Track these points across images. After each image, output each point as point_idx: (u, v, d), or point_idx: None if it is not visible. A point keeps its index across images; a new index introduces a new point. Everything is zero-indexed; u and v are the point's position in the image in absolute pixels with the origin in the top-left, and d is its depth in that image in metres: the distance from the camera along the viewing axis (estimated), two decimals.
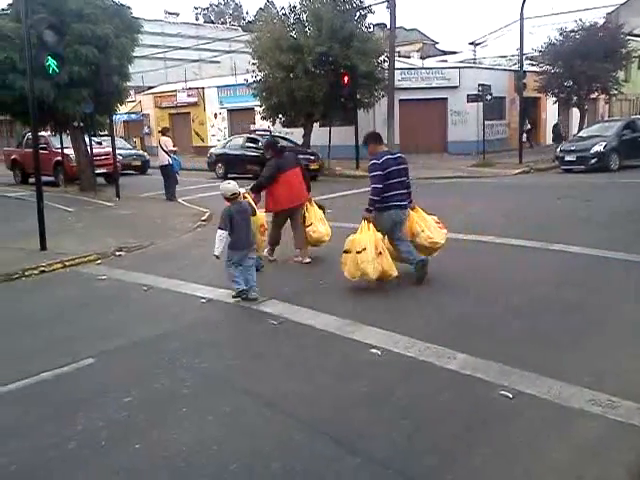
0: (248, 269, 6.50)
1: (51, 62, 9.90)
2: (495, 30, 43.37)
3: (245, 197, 7.13)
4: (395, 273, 6.70)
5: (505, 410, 3.95)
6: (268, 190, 8.10)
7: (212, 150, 23.31)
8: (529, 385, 4.20)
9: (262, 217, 7.51)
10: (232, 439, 3.71)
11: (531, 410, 3.93)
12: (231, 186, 6.54)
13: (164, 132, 15.94)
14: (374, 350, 4.95)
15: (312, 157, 19.77)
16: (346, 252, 6.62)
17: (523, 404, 3.99)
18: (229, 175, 19.59)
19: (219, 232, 6.33)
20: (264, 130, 21.93)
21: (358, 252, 6.48)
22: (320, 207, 8.52)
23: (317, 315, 5.90)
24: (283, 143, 15.60)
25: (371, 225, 6.65)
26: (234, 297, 6.48)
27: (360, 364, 4.76)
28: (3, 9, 16.18)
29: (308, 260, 8.19)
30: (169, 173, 15.20)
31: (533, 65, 26.78)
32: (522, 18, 21.69)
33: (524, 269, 7.57)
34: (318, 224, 8.18)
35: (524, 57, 22.81)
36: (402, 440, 3.61)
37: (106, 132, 18.34)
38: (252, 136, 21.43)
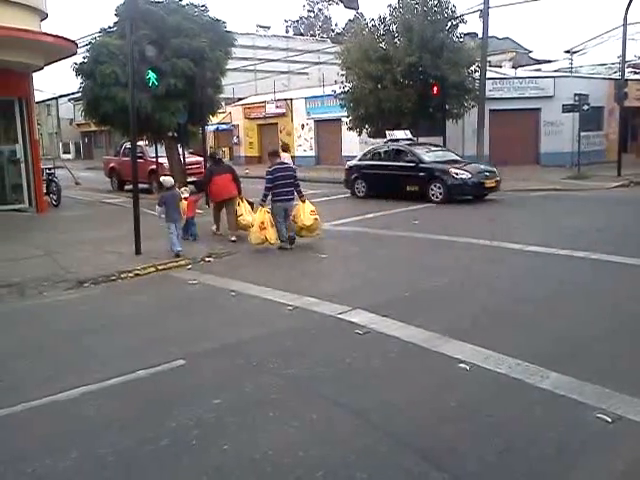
0: (179, 233, 9.94)
1: (151, 75, 10.44)
2: (594, 37, 41.64)
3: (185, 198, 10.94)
4: (273, 241, 10.22)
5: (603, 435, 3.74)
6: (208, 188, 11.63)
7: None
8: (630, 410, 3.96)
9: (184, 204, 10.58)
10: (318, 446, 3.72)
11: (632, 437, 3.70)
12: (171, 180, 10.28)
13: (285, 149, 16.32)
14: (462, 365, 4.83)
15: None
16: (246, 229, 10.59)
17: (623, 429, 3.77)
18: None
19: (157, 208, 9.94)
20: None
21: (247, 229, 10.45)
22: (250, 203, 11.08)
23: (403, 327, 5.84)
24: None
25: (263, 209, 10.20)
26: (175, 255, 9.59)
27: (448, 378, 4.66)
28: (109, 27, 17.15)
29: (234, 238, 11.07)
30: None
31: (636, 73, 25.47)
32: (625, 24, 20.68)
33: (619, 287, 7.19)
34: (246, 215, 10.75)
35: (626, 64, 21.71)
36: (492, 459, 3.49)
37: None
38: None
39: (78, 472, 3.57)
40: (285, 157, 15.76)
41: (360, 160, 18.41)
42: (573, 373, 4.56)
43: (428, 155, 16.73)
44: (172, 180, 10.24)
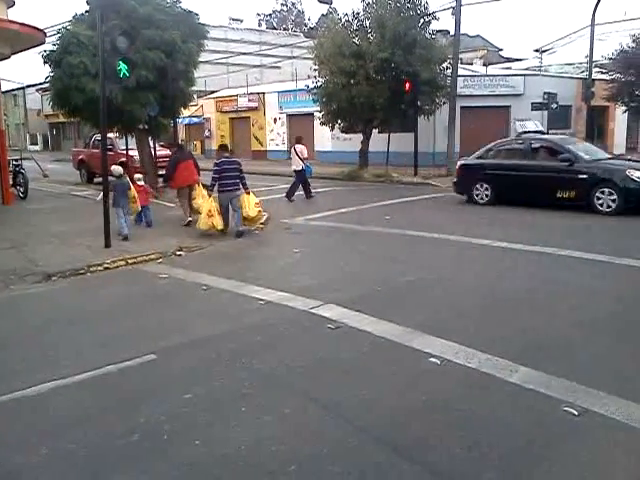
0: (126, 218, 10.64)
1: (122, 67, 10.26)
2: (563, 37, 42.30)
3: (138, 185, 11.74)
4: (220, 227, 10.83)
5: (570, 427, 3.82)
6: (173, 175, 12.17)
7: None
8: (596, 403, 4.06)
9: (134, 191, 11.06)
10: (291, 440, 3.72)
11: (598, 429, 3.79)
12: (120, 169, 10.82)
13: (299, 140, 16.83)
14: (433, 359, 4.88)
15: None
16: (199, 213, 11.16)
17: (589, 422, 3.86)
18: None
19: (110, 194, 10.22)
20: None
21: (200, 213, 11.05)
22: (205, 187, 11.58)
23: (375, 321, 5.87)
24: None
25: (210, 198, 10.92)
26: (122, 240, 10.22)
27: (419, 373, 4.71)
28: (81, 14, 16.76)
29: (188, 221, 11.93)
30: (302, 177, 16.36)
31: (603, 73, 25.95)
32: (593, 24, 21.07)
33: (587, 283, 7.34)
34: (199, 199, 11.55)
35: (593, 64, 22.12)
36: (461, 452, 3.54)
37: None
38: None
39: (48, 468, 3.52)
40: (301, 148, 16.28)
41: (481, 158, 14.84)
42: (542, 367, 4.64)
43: (585, 151, 13.40)
44: (121, 169, 10.88)
